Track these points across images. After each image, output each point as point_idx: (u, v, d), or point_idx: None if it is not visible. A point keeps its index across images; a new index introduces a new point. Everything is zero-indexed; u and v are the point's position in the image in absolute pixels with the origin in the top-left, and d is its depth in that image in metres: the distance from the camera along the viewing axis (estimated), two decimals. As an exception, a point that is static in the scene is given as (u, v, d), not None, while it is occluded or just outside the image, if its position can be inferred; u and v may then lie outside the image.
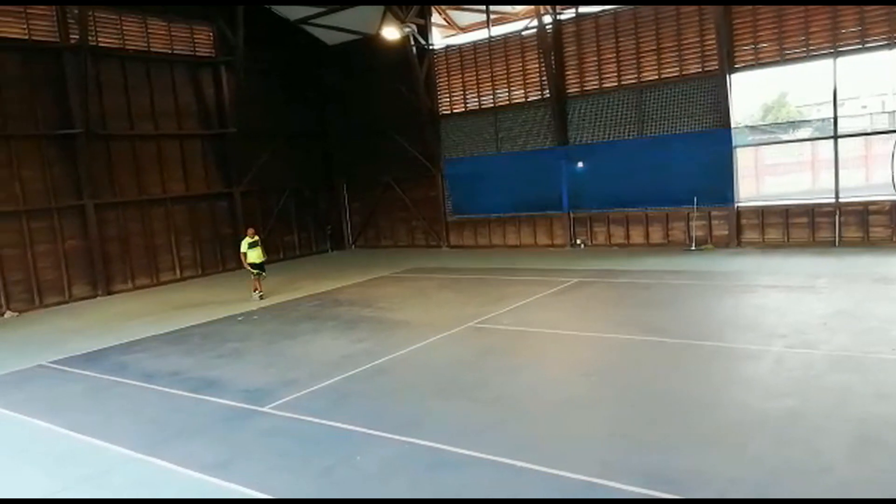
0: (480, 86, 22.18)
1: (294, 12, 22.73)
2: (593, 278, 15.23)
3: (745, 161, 19.11)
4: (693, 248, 18.40)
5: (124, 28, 19.09)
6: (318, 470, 6.23)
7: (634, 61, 19.18)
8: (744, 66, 17.59)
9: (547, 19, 20.06)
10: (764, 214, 17.89)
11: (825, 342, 8.86)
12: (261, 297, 15.58)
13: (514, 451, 6.13)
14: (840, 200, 16.88)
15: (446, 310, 13.00)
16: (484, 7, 21.68)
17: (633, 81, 19.31)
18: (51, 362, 11.13)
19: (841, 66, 16.40)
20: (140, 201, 19.45)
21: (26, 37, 16.95)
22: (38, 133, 17.22)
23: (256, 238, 16.16)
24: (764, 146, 20.30)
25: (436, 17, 22.90)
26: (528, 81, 21.21)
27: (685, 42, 18.32)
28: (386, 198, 24.95)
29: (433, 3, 22.25)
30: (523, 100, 21.42)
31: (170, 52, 20.29)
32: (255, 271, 15.85)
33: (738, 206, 18.14)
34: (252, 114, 21.91)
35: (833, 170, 16.99)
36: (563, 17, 20.16)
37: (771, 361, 8.30)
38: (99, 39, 18.36)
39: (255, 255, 15.87)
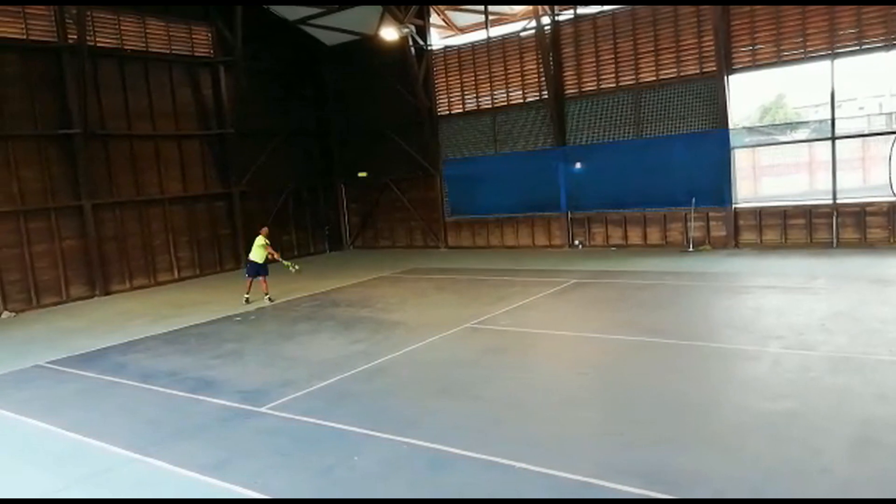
0: (479, 86, 22.19)
1: (293, 12, 22.73)
2: (591, 279, 15.25)
3: (742, 162, 19.14)
4: (690, 248, 18.42)
5: (122, 28, 19.07)
6: (316, 470, 6.23)
7: (632, 62, 19.21)
8: (741, 68, 17.62)
9: (545, 20, 20.09)
10: (761, 215, 17.92)
11: (823, 343, 8.87)
12: (270, 300, 15.17)
13: (513, 452, 6.14)
14: (837, 202, 16.91)
15: (444, 310, 13.00)
16: (482, 8, 21.70)
17: (631, 82, 19.34)
18: (48, 362, 11.11)
19: (838, 68, 16.44)
20: (138, 201, 19.42)
21: (24, 37, 16.92)
22: (36, 133, 17.19)
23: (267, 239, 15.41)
24: (762, 147, 20.34)
25: (434, 18, 22.93)
26: (526, 82, 21.23)
27: (683, 43, 18.34)
28: (384, 198, 24.95)
29: (431, 4, 22.27)
30: (521, 101, 21.43)
31: (168, 52, 20.27)
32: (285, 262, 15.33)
33: (735, 208, 18.16)
34: (250, 114, 21.91)
35: (831, 171, 17.03)
36: (561, 18, 20.19)
37: (769, 362, 8.31)
38: (97, 39, 18.33)
39: (258, 256, 15.22)
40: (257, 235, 15.55)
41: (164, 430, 7.59)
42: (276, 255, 15.53)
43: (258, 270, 15.34)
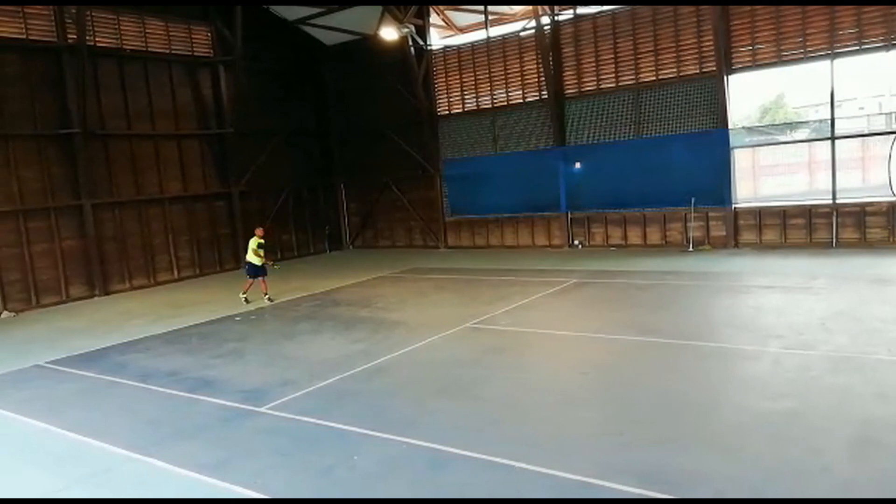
0: (479, 86, 22.19)
1: (292, 12, 22.73)
2: (591, 279, 15.25)
3: (742, 162, 19.13)
4: (690, 248, 18.43)
5: (122, 28, 19.07)
6: (316, 470, 6.23)
7: (632, 62, 19.21)
8: (741, 68, 17.62)
9: (545, 20, 20.09)
10: (761, 215, 17.93)
11: (823, 343, 8.88)
12: (270, 300, 15.20)
13: (512, 451, 6.14)
14: (837, 201, 16.92)
15: (444, 310, 13.00)
16: (482, 7, 21.69)
17: (630, 82, 19.34)
18: (48, 362, 11.11)
19: (838, 68, 16.44)
20: (138, 201, 19.42)
21: (24, 36, 16.92)
22: (35, 133, 17.19)
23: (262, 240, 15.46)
24: (761, 147, 20.34)
25: (434, 18, 22.92)
26: (526, 82, 21.23)
27: (683, 43, 18.34)
28: (384, 198, 24.96)
29: (431, 3, 22.26)
30: (521, 100, 21.43)
31: (168, 51, 20.27)
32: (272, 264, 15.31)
33: (735, 207, 18.16)
34: (250, 114, 21.90)
35: (830, 171, 17.03)
36: (561, 18, 20.19)
37: (769, 362, 8.31)
38: (97, 39, 18.33)
39: (258, 259, 15.28)
40: (252, 236, 15.53)
41: (165, 430, 7.59)
42: (262, 258, 15.41)
43: (257, 271, 15.34)
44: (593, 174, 20.12)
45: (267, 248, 15.59)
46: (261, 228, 15.85)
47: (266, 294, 15.33)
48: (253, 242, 15.31)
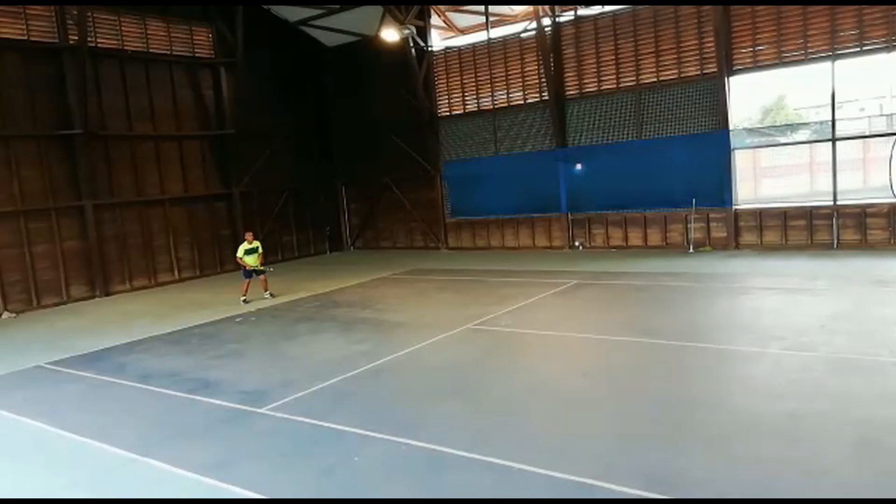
0: (479, 87, 22.19)
1: (293, 13, 22.75)
2: (592, 280, 15.24)
3: (743, 163, 19.14)
4: (691, 249, 18.42)
5: (123, 29, 19.09)
6: (316, 471, 6.22)
7: (633, 63, 19.21)
8: (742, 69, 17.62)
9: (546, 21, 20.09)
10: (762, 217, 17.92)
11: (824, 344, 8.86)
12: (272, 296, 15.68)
13: (513, 453, 6.13)
14: (838, 203, 16.91)
15: (445, 311, 13.00)
16: (483, 8, 21.71)
17: (631, 83, 19.34)
18: (49, 363, 11.10)
19: (839, 69, 16.44)
20: (138, 202, 19.43)
21: (25, 37, 16.94)
22: (36, 133, 17.20)
23: (256, 244, 15.92)
24: (762, 148, 20.34)
25: (435, 19, 22.95)
26: (526, 83, 21.23)
27: (684, 44, 18.34)
28: (385, 199, 24.96)
29: (432, 4, 22.28)
30: (522, 101, 21.44)
31: (169, 52, 20.29)
32: (254, 273, 15.73)
33: (736, 209, 18.16)
34: (251, 115, 21.91)
35: (831, 172, 17.03)
36: (561, 19, 20.20)
37: (769, 364, 8.30)
38: (98, 40, 18.35)
39: (251, 261, 15.76)
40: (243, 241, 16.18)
41: (165, 430, 7.59)
42: (242, 262, 15.86)
43: (251, 271, 15.72)
44: (594, 175, 20.12)
45: (253, 251, 15.85)
46: (250, 233, 16.44)
47: (267, 290, 15.79)
48: (240, 251, 15.82)
